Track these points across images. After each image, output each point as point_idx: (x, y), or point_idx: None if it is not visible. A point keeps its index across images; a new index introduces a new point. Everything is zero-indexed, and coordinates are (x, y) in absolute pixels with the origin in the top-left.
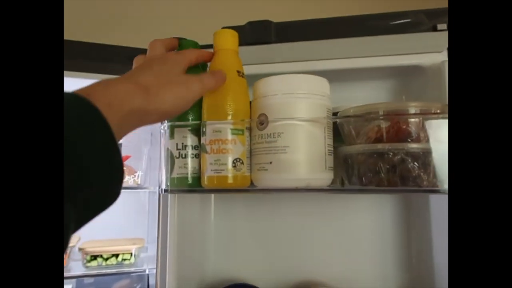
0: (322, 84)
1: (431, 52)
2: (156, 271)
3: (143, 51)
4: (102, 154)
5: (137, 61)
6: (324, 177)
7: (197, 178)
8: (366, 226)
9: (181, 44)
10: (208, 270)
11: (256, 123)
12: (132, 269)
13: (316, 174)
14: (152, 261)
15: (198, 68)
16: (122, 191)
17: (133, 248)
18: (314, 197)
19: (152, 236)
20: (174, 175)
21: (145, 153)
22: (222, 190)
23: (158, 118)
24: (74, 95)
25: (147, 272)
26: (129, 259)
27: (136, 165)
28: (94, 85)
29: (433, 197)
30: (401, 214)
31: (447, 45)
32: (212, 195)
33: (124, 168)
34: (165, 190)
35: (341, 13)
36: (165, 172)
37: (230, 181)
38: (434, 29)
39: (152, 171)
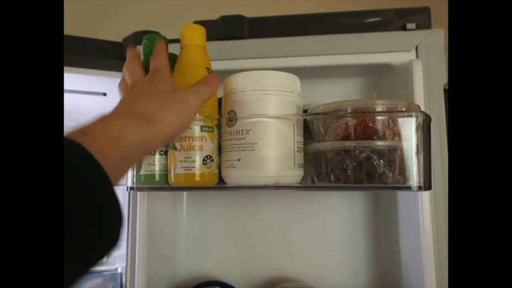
0: (292, 81)
1: (400, 51)
2: (126, 269)
3: (111, 43)
4: (96, 208)
5: (122, 89)
6: (294, 174)
7: (165, 175)
8: (337, 222)
9: (148, 39)
10: (179, 268)
11: (225, 119)
12: (104, 268)
13: (286, 171)
14: (125, 260)
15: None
16: None
17: None
18: (286, 194)
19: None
20: (142, 172)
21: None
22: (189, 188)
23: (163, 142)
24: (68, 141)
25: (119, 270)
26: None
27: None
28: (92, 124)
29: (400, 193)
30: (370, 210)
31: (415, 44)
32: (184, 192)
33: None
34: (131, 188)
35: (314, 10)
36: (131, 170)
37: (197, 178)
38: (404, 28)
39: None
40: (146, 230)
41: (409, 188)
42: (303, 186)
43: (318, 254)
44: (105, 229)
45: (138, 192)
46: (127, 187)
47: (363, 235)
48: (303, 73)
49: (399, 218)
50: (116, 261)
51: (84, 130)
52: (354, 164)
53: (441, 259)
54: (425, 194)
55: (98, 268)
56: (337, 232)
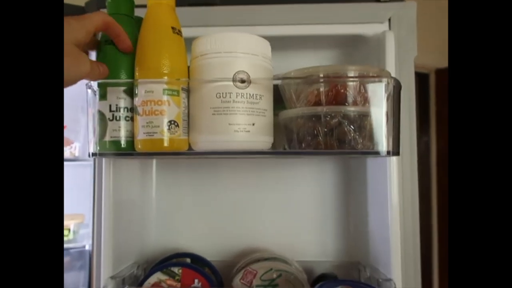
0: (263, 45)
1: (374, 23)
2: (92, 243)
3: (74, 7)
4: None
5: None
6: (264, 140)
7: (132, 142)
8: (307, 194)
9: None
10: (148, 241)
11: (235, 81)
12: (71, 245)
13: (255, 137)
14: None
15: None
16: None
17: (71, 224)
18: (257, 165)
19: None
20: (107, 138)
21: (83, 123)
22: (155, 153)
23: None
24: None
25: (87, 248)
26: (67, 235)
27: (73, 136)
28: None
29: (369, 164)
30: (340, 182)
31: (389, 16)
32: (154, 164)
33: None
34: (94, 154)
35: None
36: (95, 135)
37: (165, 144)
38: (377, 0)
39: None
40: (112, 202)
41: (377, 153)
42: (272, 152)
43: (289, 226)
44: None
45: (104, 164)
46: (90, 153)
47: (333, 207)
48: (276, 43)
49: (368, 190)
50: (83, 238)
51: None
52: (325, 130)
53: (406, 229)
54: (393, 163)
55: (65, 246)
56: (307, 204)
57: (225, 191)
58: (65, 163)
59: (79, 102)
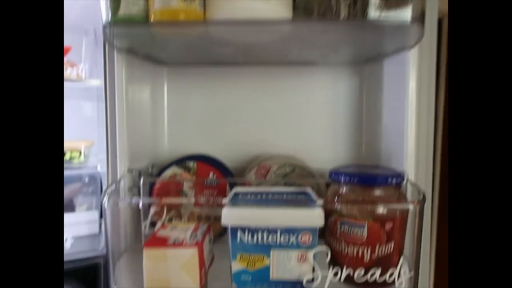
0: None
1: None
2: (106, 140)
3: None
4: None
5: None
6: (283, 13)
7: (146, 17)
8: (321, 102)
9: None
10: (162, 148)
11: None
12: (83, 170)
13: (274, 8)
14: (104, 163)
15: None
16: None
17: (81, 146)
18: (270, 73)
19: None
20: (120, 13)
21: (85, 44)
22: (170, 23)
23: None
24: None
25: (99, 169)
26: (79, 158)
27: (77, 58)
28: None
29: (386, 64)
30: (355, 89)
31: None
32: (165, 71)
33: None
34: (105, 27)
35: None
36: (107, 11)
37: (181, 15)
38: None
39: (99, 67)
40: (125, 103)
41: (402, 23)
42: (297, 21)
43: (302, 133)
44: None
45: (116, 60)
46: (103, 27)
47: (346, 115)
48: None
49: (383, 95)
50: (95, 162)
51: None
52: (348, 1)
53: (421, 129)
54: (413, 56)
55: (75, 170)
56: (320, 112)
57: (238, 100)
58: (72, 85)
59: (84, 24)
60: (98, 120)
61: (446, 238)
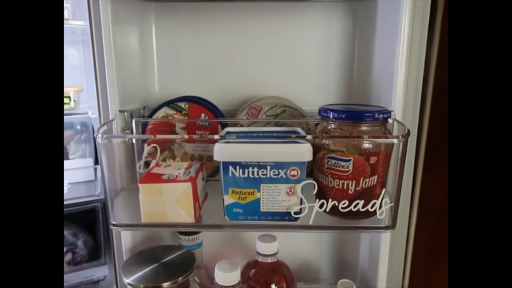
0: None
1: None
2: (96, 83)
3: None
4: None
5: None
6: None
7: None
8: (312, 41)
9: None
10: (152, 90)
11: None
12: (73, 116)
13: None
14: (95, 110)
15: None
16: None
17: (70, 91)
18: (260, 10)
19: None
20: None
21: None
22: None
23: None
24: None
25: (90, 115)
26: (68, 103)
27: None
28: None
29: (380, 6)
30: (347, 28)
31: None
32: (152, 9)
33: None
34: None
35: None
36: None
37: None
38: None
39: (82, 7)
40: (112, 45)
41: None
42: None
43: (293, 74)
44: None
45: (101, 7)
46: None
47: (338, 55)
48: None
49: (376, 35)
50: (85, 108)
51: None
52: None
53: (411, 70)
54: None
55: (67, 116)
56: (312, 52)
57: (227, 38)
58: None
59: None
60: (85, 66)
61: (432, 187)
